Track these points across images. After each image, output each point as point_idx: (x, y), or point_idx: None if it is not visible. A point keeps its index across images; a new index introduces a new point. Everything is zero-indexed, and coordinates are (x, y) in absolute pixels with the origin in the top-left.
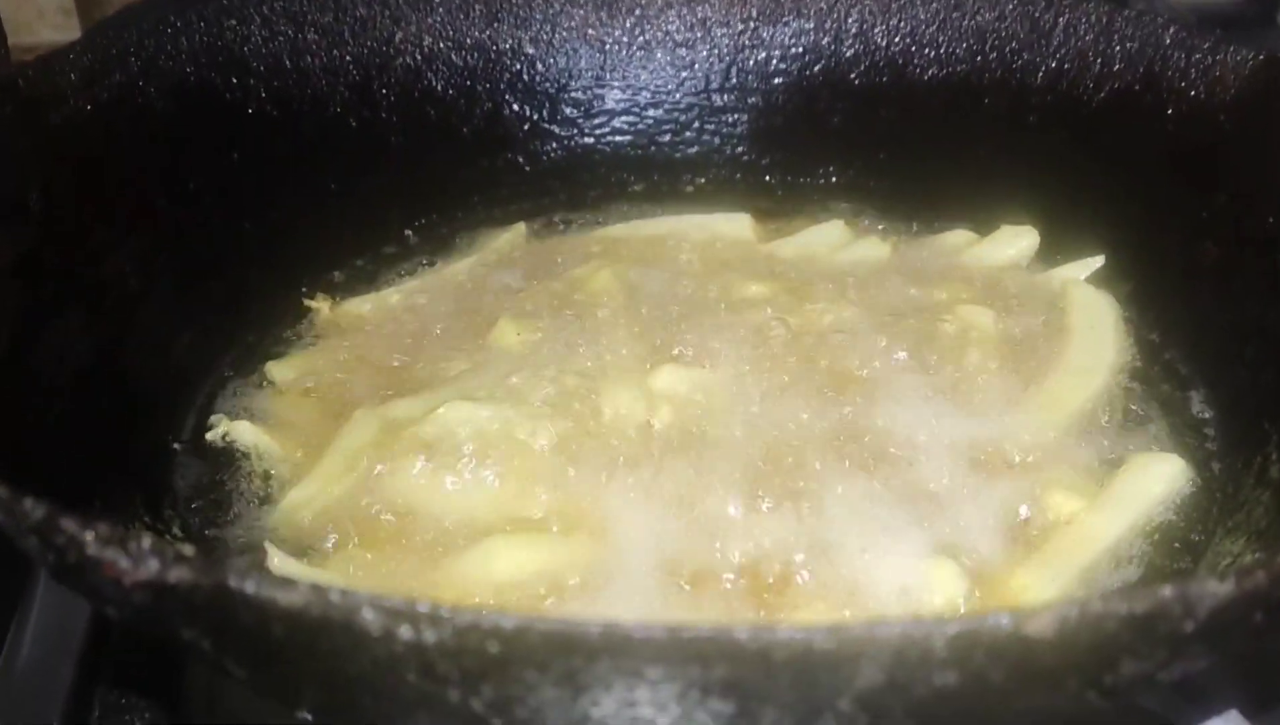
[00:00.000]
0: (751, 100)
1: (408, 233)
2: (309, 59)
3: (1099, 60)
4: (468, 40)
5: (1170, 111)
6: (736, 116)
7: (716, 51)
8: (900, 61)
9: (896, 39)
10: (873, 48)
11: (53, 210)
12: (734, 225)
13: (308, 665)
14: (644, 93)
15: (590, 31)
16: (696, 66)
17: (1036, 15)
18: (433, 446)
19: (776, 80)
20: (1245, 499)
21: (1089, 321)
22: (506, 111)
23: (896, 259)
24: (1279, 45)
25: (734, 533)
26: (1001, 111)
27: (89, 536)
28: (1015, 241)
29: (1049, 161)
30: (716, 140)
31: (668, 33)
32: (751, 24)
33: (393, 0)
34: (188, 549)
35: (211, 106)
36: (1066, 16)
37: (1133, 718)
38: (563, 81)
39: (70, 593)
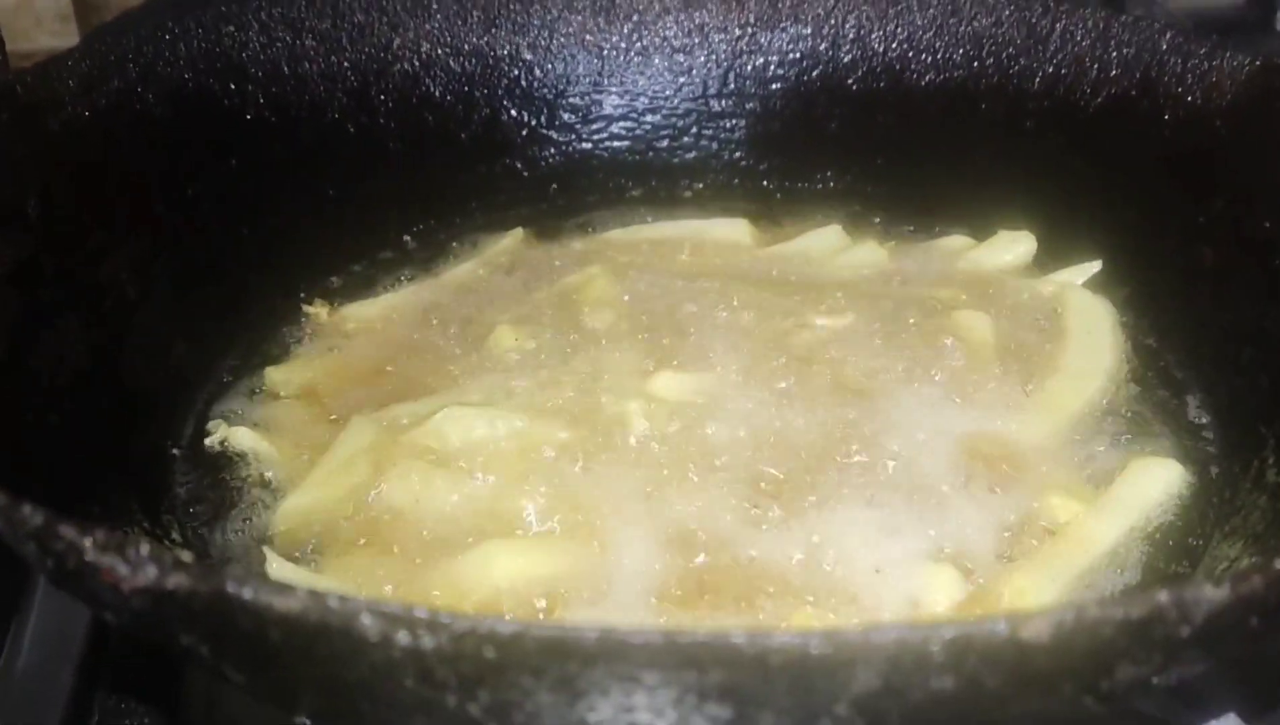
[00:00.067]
0: (749, 106)
1: (406, 238)
2: (307, 65)
3: (1095, 66)
4: (465, 46)
5: (1167, 117)
6: (734, 122)
7: (714, 57)
8: (897, 67)
9: (894, 45)
10: (870, 53)
11: (51, 216)
12: (732, 230)
13: (305, 671)
14: (642, 98)
15: (588, 37)
16: (694, 72)
17: (1033, 21)
18: (430, 452)
19: (774, 86)
20: (1242, 503)
21: (1086, 326)
22: (504, 117)
23: (894, 264)
24: (1277, 50)
25: (732, 538)
26: (998, 117)
27: (87, 543)
28: (1012, 246)
29: (1046, 167)
30: (714, 145)
31: (665, 38)
32: (749, 29)
33: (390, 6)
34: (186, 555)
35: (209, 112)
36: (1063, 22)
37: (1130, 722)
38: (560, 87)
39: (69, 598)
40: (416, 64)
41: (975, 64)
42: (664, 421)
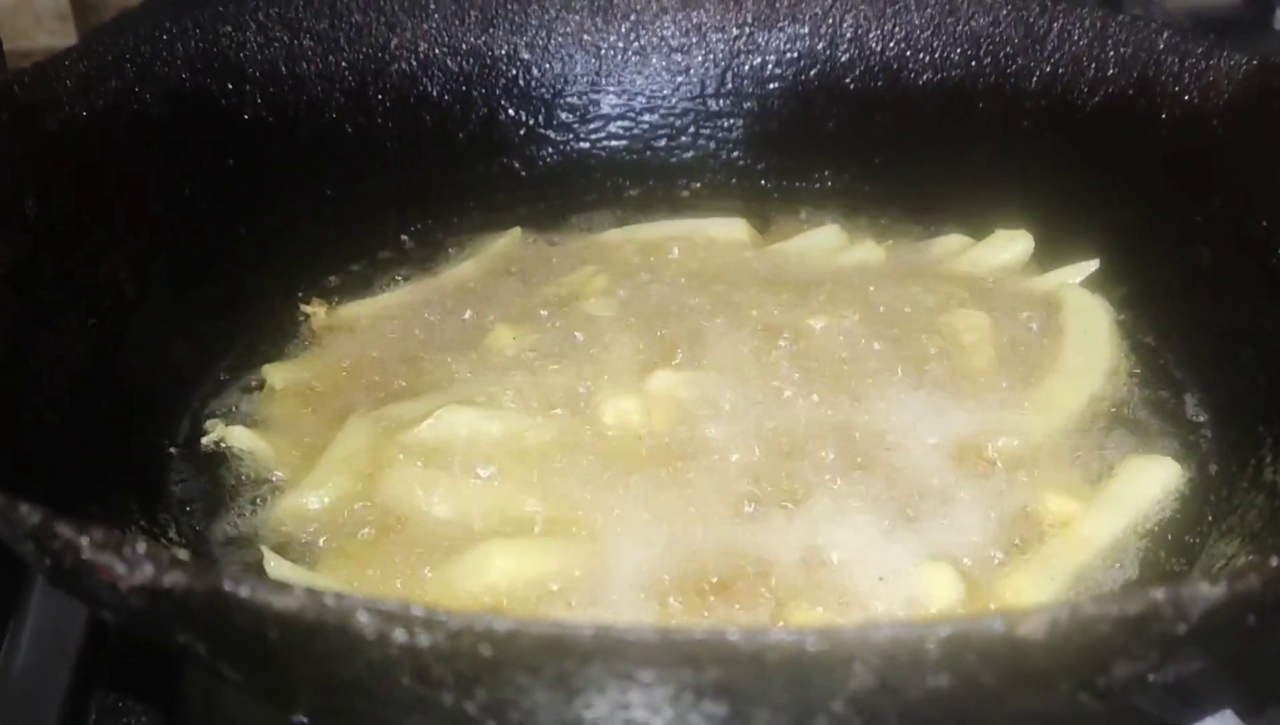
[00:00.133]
0: (747, 105)
1: (403, 238)
2: (305, 65)
3: (1093, 65)
4: (463, 46)
5: (1164, 116)
6: (732, 121)
7: (712, 57)
8: (895, 67)
9: (891, 44)
10: (868, 53)
11: (49, 216)
12: (729, 230)
13: (302, 669)
14: (639, 98)
15: (586, 37)
16: (692, 72)
17: (1031, 20)
18: (428, 451)
19: (772, 85)
20: (1240, 502)
21: (1083, 325)
22: (502, 117)
23: (891, 263)
24: (1274, 49)
25: (729, 537)
26: (996, 116)
27: (84, 541)
28: (1010, 246)
29: (1043, 166)
30: (712, 145)
31: (663, 38)
32: (747, 29)
33: (388, 6)
34: (183, 553)
35: (207, 112)
36: (1060, 22)
37: (1127, 719)
38: (558, 87)
39: (67, 597)
40: (414, 64)
41: (973, 63)
42: (662, 421)
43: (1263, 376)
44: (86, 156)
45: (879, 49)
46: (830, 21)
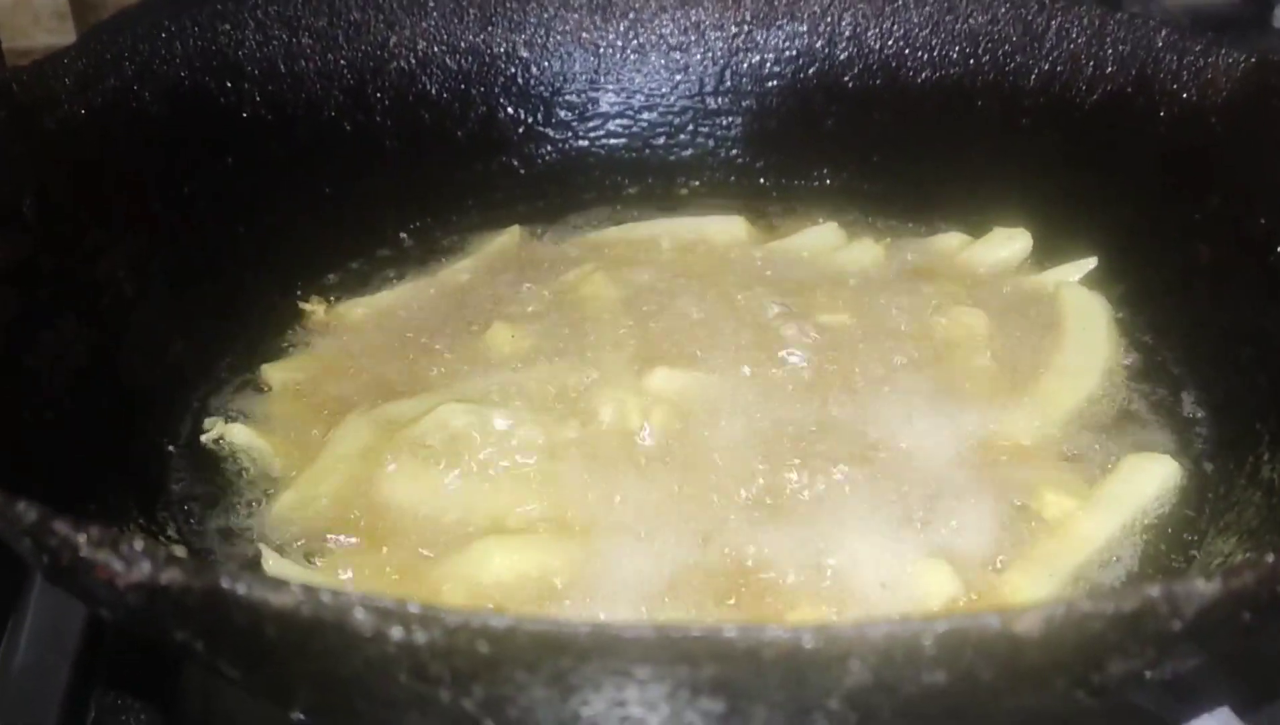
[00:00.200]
0: (746, 103)
1: (402, 236)
2: (303, 63)
3: (1091, 63)
4: (462, 44)
5: (1162, 114)
6: (731, 119)
7: (710, 55)
8: (894, 64)
9: (890, 42)
10: (866, 51)
11: (47, 215)
12: (728, 228)
13: (300, 666)
14: (638, 96)
15: (584, 35)
16: (691, 70)
17: (1029, 18)
18: (426, 449)
19: (770, 83)
20: (1237, 499)
21: (1082, 323)
22: (501, 115)
23: (890, 261)
24: (1273, 47)
25: (726, 535)
26: (994, 114)
27: (82, 539)
28: (1008, 244)
29: (1041, 164)
30: (711, 143)
31: (662, 36)
32: (745, 27)
33: (387, 4)
34: (180, 551)
35: (206, 111)
36: (1059, 20)
37: (1124, 716)
38: (557, 85)
39: (65, 595)
40: (413, 62)
41: (971, 61)
42: (660, 419)
43: (1260, 374)
44: (85, 155)
45: (877, 47)
46: (829, 19)
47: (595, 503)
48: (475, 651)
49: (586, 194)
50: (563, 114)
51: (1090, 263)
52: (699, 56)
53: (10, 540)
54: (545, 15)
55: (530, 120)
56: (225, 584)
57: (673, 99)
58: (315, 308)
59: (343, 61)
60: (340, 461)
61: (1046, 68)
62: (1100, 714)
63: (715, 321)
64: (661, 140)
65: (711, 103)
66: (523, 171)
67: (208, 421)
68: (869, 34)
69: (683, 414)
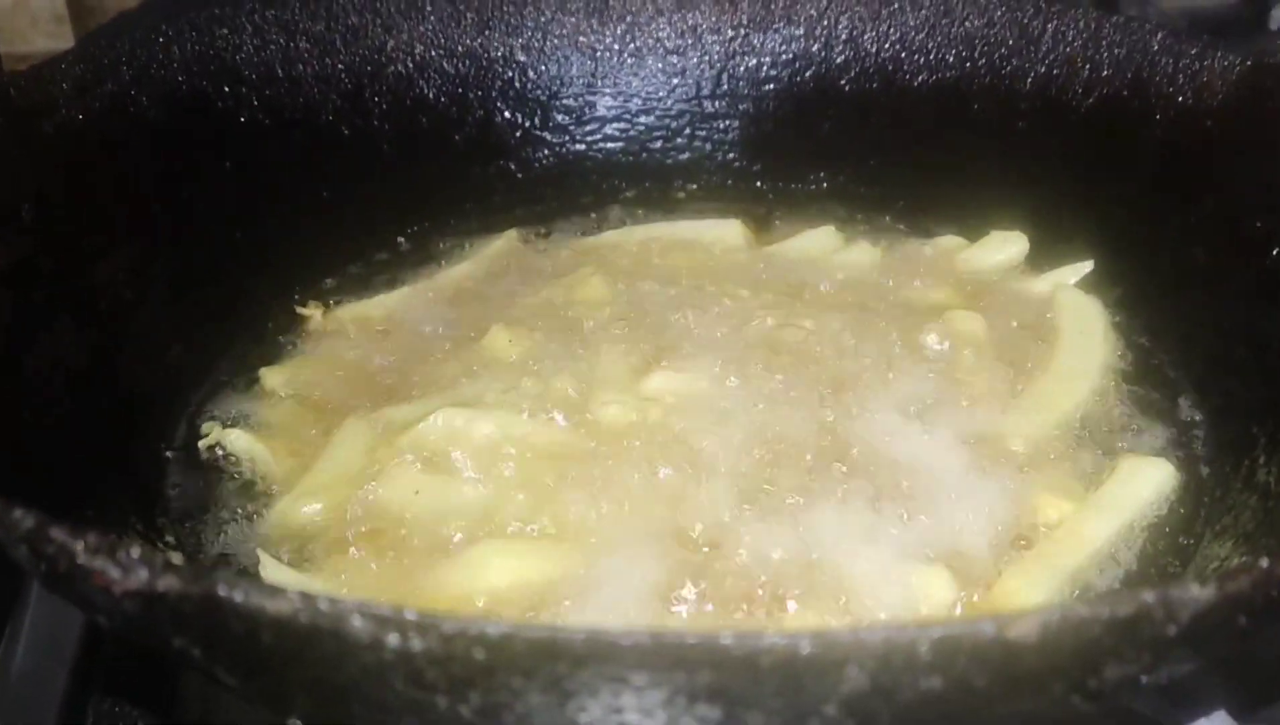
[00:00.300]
0: (743, 107)
1: (400, 240)
2: (301, 67)
3: (1087, 66)
4: (459, 48)
5: (1158, 117)
6: (728, 123)
7: (707, 58)
8: (890, 68)
9: (886, 46)
10: (863, 54)
11: (45, 219)
12: (725, 231)
13: (297, 673)
14: (635, 99)
15: (581, 39)
16: (688, 73)
17: (1025, 21)
18: (424, 453)
19: (767, 87)
20: (1233, 502)
21: (1078, 326)
22: (498, 119)
23: (887, 264)
24: (1269, 49)
25: (725, 539)
26: (991, 117)
27: (79, 546)
28: (1005, 247)
29: (1038, 167)
30: (708, 147)
31: (659, 40)
32: (742, 31)
33: (384, 9)
34: (177, 558)
35: (204, 115)
36: (1055, 23)
37: (1120, 721)
38: (554, 89)
39: (63, 601)
40: (410, 66)
41: (967, 65)
42: (658, 422)
43: (1257, 378)
44: (83, 159)
45: (874, 51)
46: (825, 23)
47: (593, 507)
48: (471, 658)
49: (584, 198)
50: (560, 118)
51: (1086, 266)
52: (696, 60)
53: (7, 547)
54: (542, 19)
55: (527, 124)
56: (222, 591)
57: (670, 103)
58: (313, 312)
59: (340, 66)
60: (338, 466)
61: (1043, 71)
62: (1096, 719)
63: (712, 325)
64: (658, 144)
65: (708, 106)
66: (520, 175)
67: (205, 426)
68: (865, 37)
69: (680, 418)
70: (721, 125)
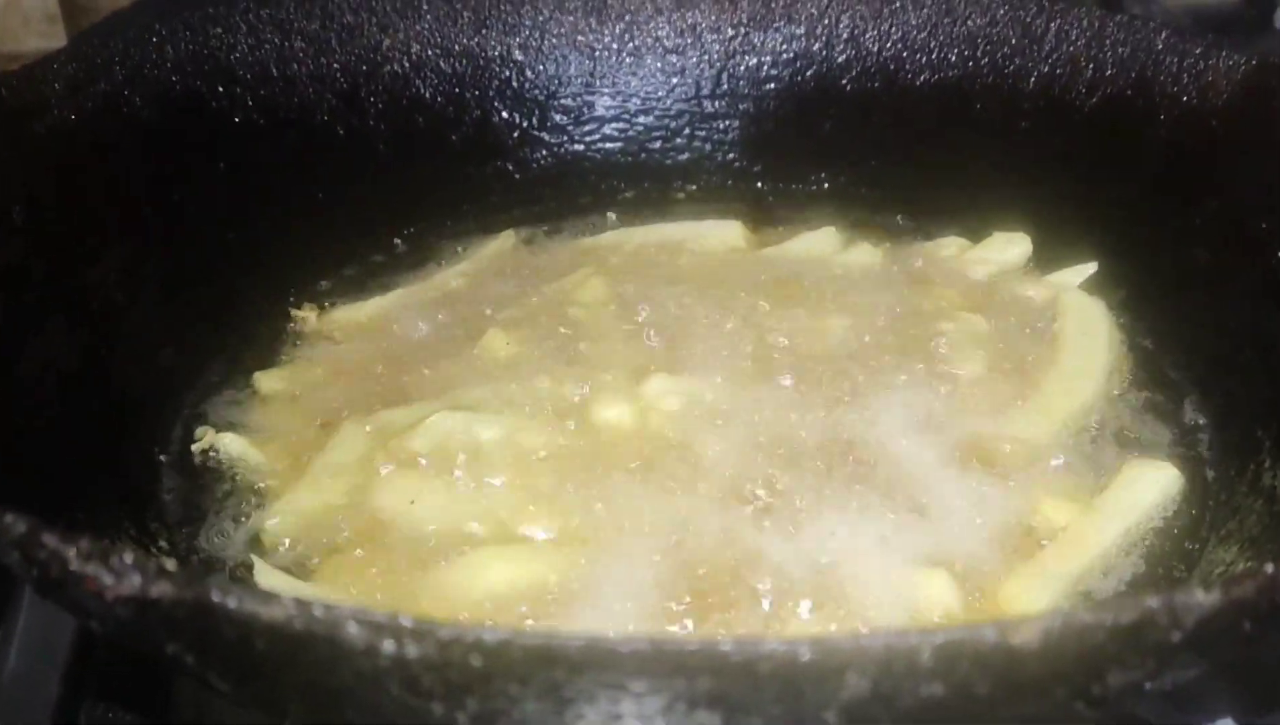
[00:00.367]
0: (743, 106)
1: (396, 241)
2: (296, 67)
3: (1091, 65)
4: (456, 47)
5: (1162, 116)
6: (728, 123)
7: (707, 57)
8: (892, 67)
9: (888, 45)
10: (864, 53)
11: (37, 220)
12: (725, 232)
13: (291, 680)
14: (634, 99)
15: (579, 38)
16: (687, 73)
17: (1028, 20)
18: (421, 458)
19: (768, 86)
20: (1238, 507)
21: (1081, 328)
22: (495, 119)
23: (888, 266)
24: (1275, 49)
25: (726, 544)
26: (993, 117)
27: (71, 552)
28: (1007, 248)
29: (1041, 167)
30: (707, 147)
31: (658, 39)
32: (742, 30)
33: (380, 8)
34: (170, 563)
35: (197, 115)
36: (1058, 22)
37: None
38: (552, 88)
39: (55, 606)
40: (406, 65)
41: (970, 64)
42: (657, 426)
43: (1261, 380)
44: (75, 160)
45: (875, 50)
46: (826, 22)
47: (592, 512)
48: (468, 665)
49: (582, 199)
50: (558, 118)
51: (1090, 267)
52: (695, 59)
53: None
54: (540, 18)
55: (525, 124)
56: (216, 597)
57: (669, 102)
58: (308, 314)
59: (335, 65)
60: (333, 471)
61: (1046, 70)
62: None
63: (712, 328)
64: (658, 144)
65: (708, 106)
66: (517, 176)
67: (199, 430)
68: (867, 36)
69: (680, 421)
70: (721, 125)
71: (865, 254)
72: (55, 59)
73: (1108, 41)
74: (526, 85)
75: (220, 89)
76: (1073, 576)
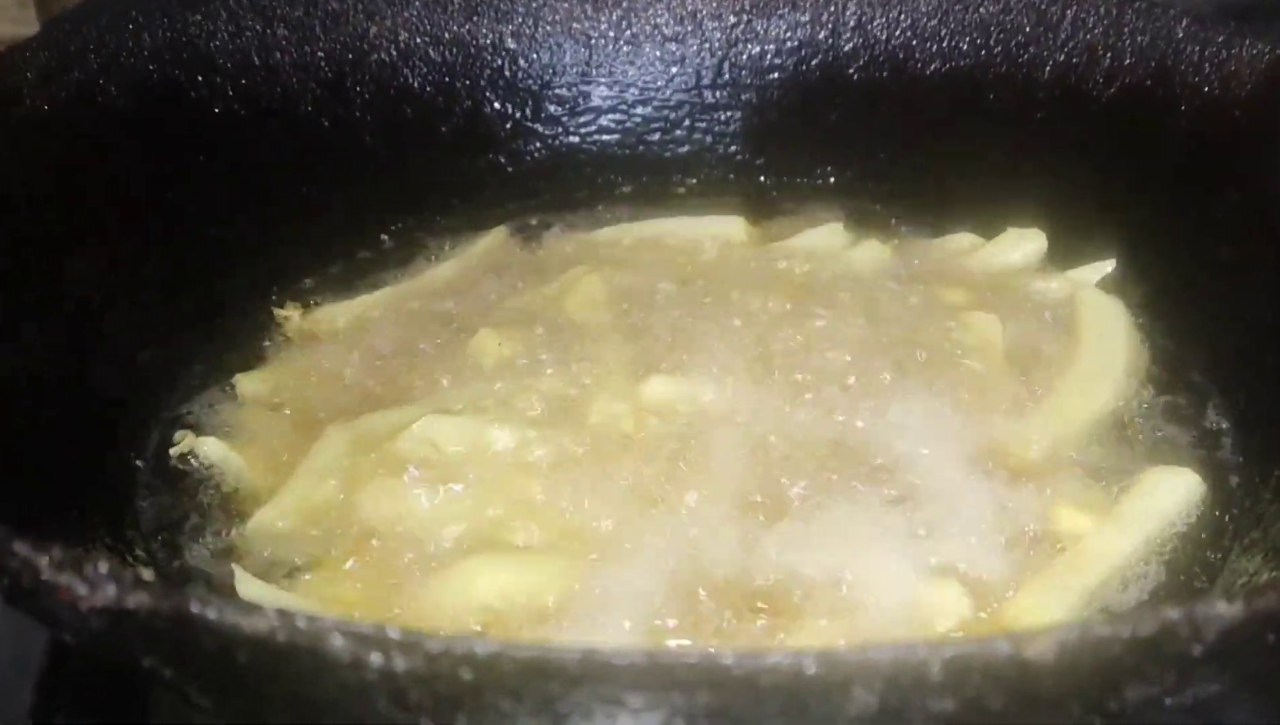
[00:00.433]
0: (745, 97)
1: (383, 237)
2: (278, 55)
3: (1108, 54)
4: (446, 35)
5: (1183, 107)
6: (729, 114)
7: (708, 46)
8: (901, 56)
9: (897, 32)
10: (872, 41)
11: (7, 216)
12: (727, 228)
13: (274, 694)
14: (632, 89)
15: (575, 25)
16: (687, 61)
17: (1043, 7)
18: (409, 463)
19: (771, 76)
20: (1263, 514)
21: (1099, 328)
22: (487, 110)
23: (897, 263)
24: None
25: (726, 553)
26: (1007, 108)
27: (43, 560)
28: (1022, 245)
29: (1057, 160)
30: (708, 139)
31: (656, 26)
32: (745, 16)
33: None
34: (147, 573)
35: (176, 106)
36: (1074, 8)
37: None
38: (546, 78)
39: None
40: (394, 53)
41: (982, 52)
42: (656, 429)
43: None
44: (48, 153)
45: (884, 37)
46: (833, 8)
47: (588, 519)
48: (459, 678)
49: (577, 193)
50: (552, 109)
51: (1108, 265)
52: (696, 48)
53: None
54: (533, 4)
55: (518, 115)
56: (195, 608)
57: (668, 93)
58: (291, 314)
59: (320, 53)
60: (317, 477)
61: (1062, 59)
62: None
63: (713, 327)
64: (657, 136)
65: (709, 96)
66: (510, 169)
67: (177, 434)
68: (875, 24)
69: (679, 425)
70: (723, 116)
71: (873, 251)
72: (27, 46)
73: (1126, 29)
74: (519, 74)
75: (199, 78)
76: (1089, 587)
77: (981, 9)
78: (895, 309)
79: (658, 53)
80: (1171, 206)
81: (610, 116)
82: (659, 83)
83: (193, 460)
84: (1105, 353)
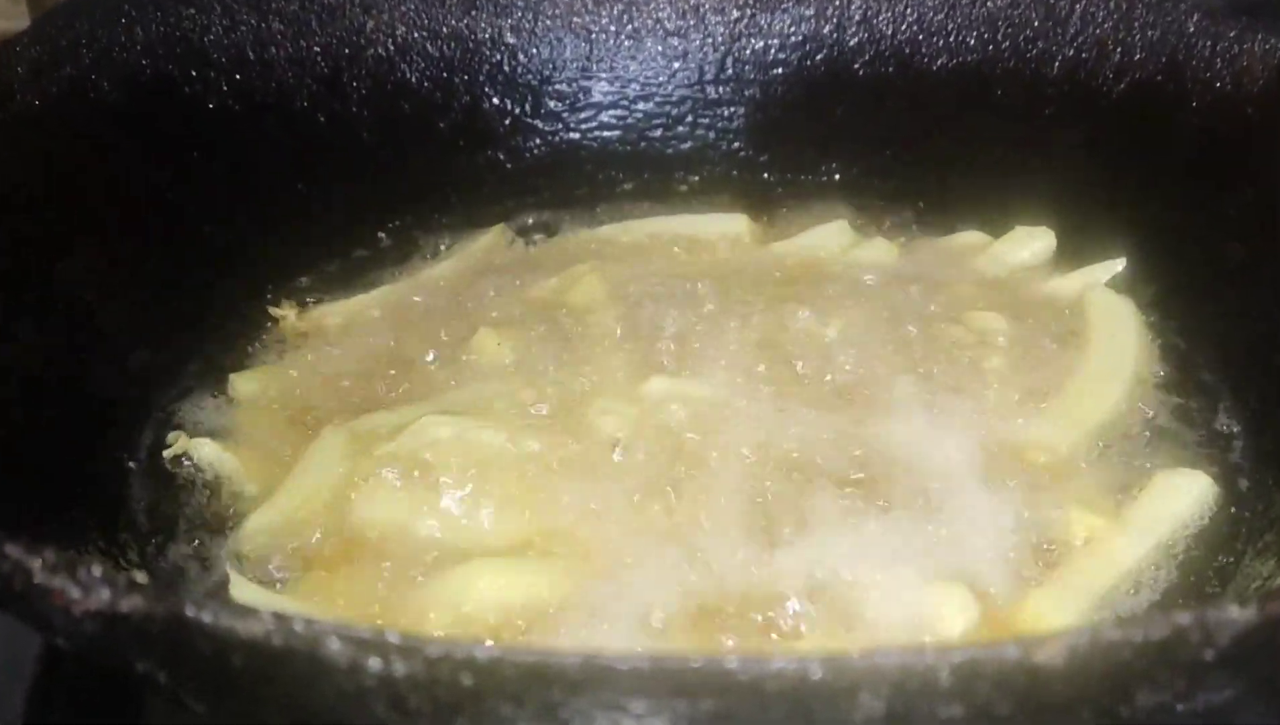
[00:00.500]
0: (749, 92)
1: (380, 235)
2: (273, 50)
3: (1118, 49)
4: (444, 29)
5: (1194, 103)
6: (733, 110)
7: (711, 40)
8: (907, 51)
9: (903, 27)
10: (878, 36)
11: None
12: (730, 226)
13: (270, 699)
14: (633, 85)
15: (575, 19)
16: (689, 56)
17: (1052, 1)
18: (406, 464)
19: (775, 71)
20: (1275, 517)
21: (1109, 328)
22: (486, 105)
23: (903, 262)
24: None
25: (729, 556)
26: (1015, 104)
27: (36, 563)
28: (1030, 243)
29: (1066, 157)
30: (711, 135)
31: (658, 20)
32: (748, 10)
33: None
34: (141, 576)
35: (169, 101)
36: (1083, 2)
37: None
38: (546, 73)
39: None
40: (391, 48)
41: (990, 47)
42: (657, 431)
43: None
44: (40, 149)
45: (890, 32)
46: (838, 3)
47: (588, 522)
48: (458, 684)
49: (578, 190)
50: (552, 104)
51: (1118, 264)
52: (698, 42)
53: None
54: None
55: (517, 111)
56: (189, 612)
57: (670, 88)
58: (287, 313)
59: (316, 48)
60: (314, 478)
61: (1071, 54)
62: None
63: (716, 327)
64: (658, 132)
65: (712, 92)
66: (509, 166)
67: (171, 435)
68: (880, 18)
69: (681, 426)
70: (726, 112)
71: (879, 249)
72: (18, 41)
73: (1136, 24)
74: (519, 70)
75: (193, 73)
76: (1100, 591)
77: (989, 3)
78: (901, 308)
79: (660, 47)
80: (1182, 204)
81: (611, 112)
82: (661, 78)
83: (187, 462)
84: (1115, 353)
